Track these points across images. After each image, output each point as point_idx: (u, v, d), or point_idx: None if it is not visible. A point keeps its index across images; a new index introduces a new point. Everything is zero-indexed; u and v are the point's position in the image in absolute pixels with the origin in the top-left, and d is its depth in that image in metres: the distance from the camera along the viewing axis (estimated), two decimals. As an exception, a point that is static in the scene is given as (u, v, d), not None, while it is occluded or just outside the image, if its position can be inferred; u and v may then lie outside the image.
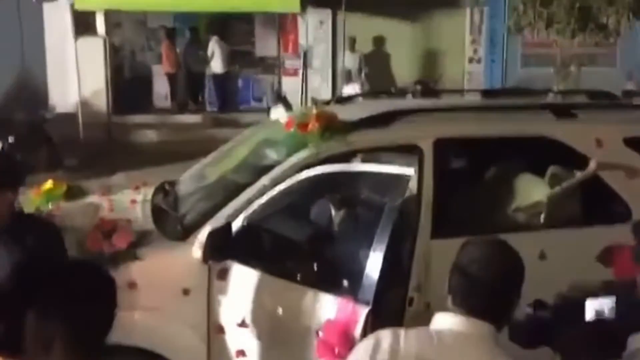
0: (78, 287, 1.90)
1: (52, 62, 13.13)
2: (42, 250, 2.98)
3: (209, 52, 14.01)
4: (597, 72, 12.34)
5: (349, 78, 13.24)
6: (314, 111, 4.14)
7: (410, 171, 3.82)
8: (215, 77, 14.28)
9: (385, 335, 2.04)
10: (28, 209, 4.35)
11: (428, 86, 12.33)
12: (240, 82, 14.91)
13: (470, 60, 14.52)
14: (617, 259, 3.79)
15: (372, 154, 4.24)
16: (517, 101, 5.20)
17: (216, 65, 14.07)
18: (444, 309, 2.09)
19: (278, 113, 4.73)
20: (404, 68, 14.32)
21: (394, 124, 4.07)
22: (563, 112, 4.31)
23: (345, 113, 4.28)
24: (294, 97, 13.17)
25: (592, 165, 3.91)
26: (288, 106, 5.19)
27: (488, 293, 2.02)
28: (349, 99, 5.80)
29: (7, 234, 2.97)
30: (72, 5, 12.40)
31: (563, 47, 11.53)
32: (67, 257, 3.26)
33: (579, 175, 4.00)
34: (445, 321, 2.04)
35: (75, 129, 12.51)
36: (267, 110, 10.96)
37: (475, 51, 14.50)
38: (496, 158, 4.50)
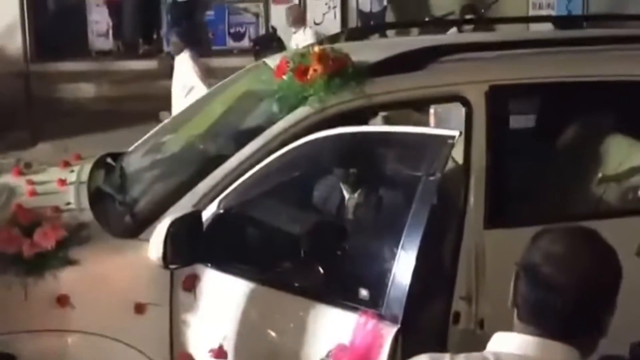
0: None
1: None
2: None
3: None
4: None
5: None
6: (317, 50, 4.12)
7: (454, 133, 3.81)
8: (176, 5, 14.20)
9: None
10: None
11: (478, 13, 12.37)
12: (211, 13, 14.84)
13: (538, -24, 14.46)
14: None
15: (399, 110, 4.23)
16: (605, 32, 5.16)
17: (175, -12, 14.05)
18: (506, 327, 2.07)
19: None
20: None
21: (429, 66, 4.06)
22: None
23: (361, 53, 4.26)
24: (288, 33, 13.09)
25: None
26: (280, 45, 5.18)
27: (571, 307, 2.00)
28: (366, 32, 5.79)
29: None
30: None
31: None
32: None
33: None
34: (509, 344, 2.02)
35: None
36: (253, 52, 11.00)
37: (544, -37, 14.45)
38: (576, 113, 4.48)
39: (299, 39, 10.54)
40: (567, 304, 1.97)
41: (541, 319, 1.99)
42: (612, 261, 2.04)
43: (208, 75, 8.41)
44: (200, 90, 7.49)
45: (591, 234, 2.10)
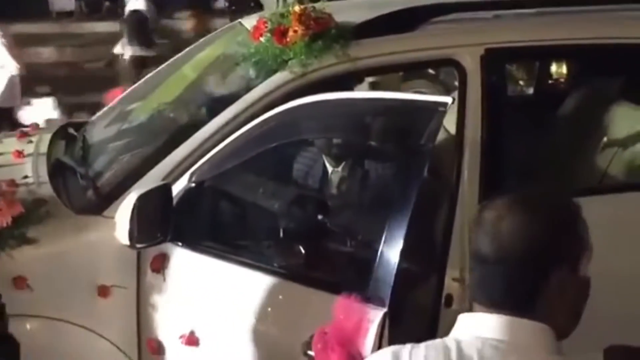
0: None
1: None
2: None
3: None
4: None
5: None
6: (297, 9, 4.11)
7: (446, 99, 3.81)
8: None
9: (384, 356, 2.04)
10: None
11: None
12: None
13: None
14: None
15: (387, 75, 4.22)
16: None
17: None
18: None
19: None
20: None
21: (420, 27, 4.07)
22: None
23: (345, 12, 4.26)
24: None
25: None
26: (258, 4, 5.17)
27: (501, 278, 1.99)
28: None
29: None
30: None
31: None
32: None
33: None
34: (470, 325, 2.03)
35: None
36: (228, 12, 10.93)
37: None
38: (580, 79, 4.50)
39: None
40: (497, 275, 1.99)
41: (485, 294, 2.01)
42: (540, 225, 2.01)
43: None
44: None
45: (520, 199, 2.09)
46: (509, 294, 1.98)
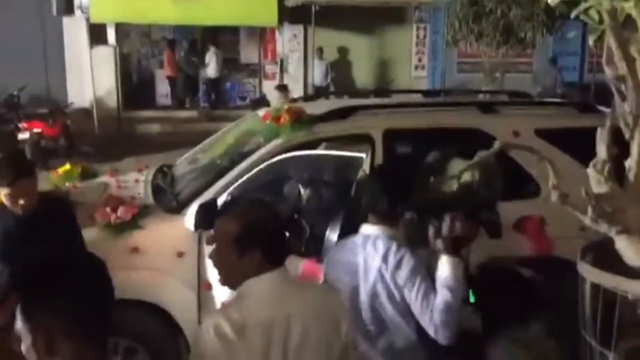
0: (78, 275, 1.44)
1: (70, 67, 12.89)
2: (62, 230, 2.94)
3: (207, 60, 13.87)
4: (517, 77, 12.47)
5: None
6: (286, 107, 4.12)
7: (363, 155, 3.82)
8: (208, 80, 14.13)
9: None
10: (48, 187, 4.29)
11: (382, 87, 12.44)
12: (228, 84, 14.78)
13: (416, 68, 14.62)
14: (528, 227, 3.85)
15: (332, 141, 4.22)
16: (451, 99, 5.22)
17: (211, 71, 13.93)
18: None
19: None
20: (363, 74, 14.39)
21: (351, 117, 4.06)
22: (487, 108, 4.34)
23: (312, 108, 4.26)
24: (272, 96, 13.07)
25: (496, 145, 3.80)
26: (266, 103, 5.15)
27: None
28: (315, 97, 5.77)
29: (35, 217, 2.90)
30: (87, 19, 12.26)
31: (490, 57, 11.61)
32: (80, 233, 3.18)
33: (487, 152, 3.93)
34: None
35: (91, 122, 12.29)
36: (251, 107, 10.97)
37: (420, 60, 14.62)
38: (434, 145, 4.50)
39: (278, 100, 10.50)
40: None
41: None
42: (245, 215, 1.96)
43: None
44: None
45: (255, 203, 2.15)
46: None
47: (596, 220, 2.34)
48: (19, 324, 1.40)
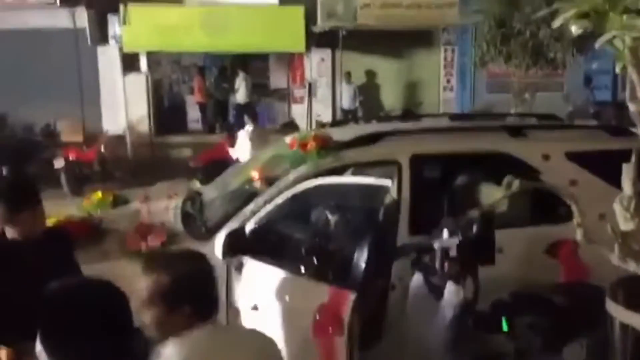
0: (93, 306, 1.47)
1: (104, 94, 13.19)
2: (58, 262, 2.63)
3: (237, 86, 14.01)
4: (548, 96, 12.29)
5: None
6: (313, 133, 4.13)
7: (389, 182, 3.80)
8: (238, 105, 14.28)
9: None
10: (81, 214, 4.37)
11: (409, 111, 12.39)
12: (258, 109, 14.90)
13: (444, 89, 14.52)
14: (561, 252, 3.76)
15: (360, 167, 4.21)
16: (479, 123, 5.18)
17: (240, 96, 14.09)
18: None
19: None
20: (390, 96, 14.37)
21: (378, 143, 4.06)
22: (516, 132, 4.29)
23: (339, 134, 4.26)
24: (301, 121, 13.15)
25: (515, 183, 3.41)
26: (295, 128, 5.17)
27: None
28: (344, 122, 5.78)
29: (38, 244, 2.66)
30: (120, 48, 12.60)
31: (519, 77, 11.47)
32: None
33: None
34: None
35: (125, 148, 12.54)
36: (280, 130, 11.02)
37: (448, 81, 14.51)
38: (462, 170, 4.46)
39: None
40: None
41: None
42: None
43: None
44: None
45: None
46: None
47: (624, 259, 2.28)
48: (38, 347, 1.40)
